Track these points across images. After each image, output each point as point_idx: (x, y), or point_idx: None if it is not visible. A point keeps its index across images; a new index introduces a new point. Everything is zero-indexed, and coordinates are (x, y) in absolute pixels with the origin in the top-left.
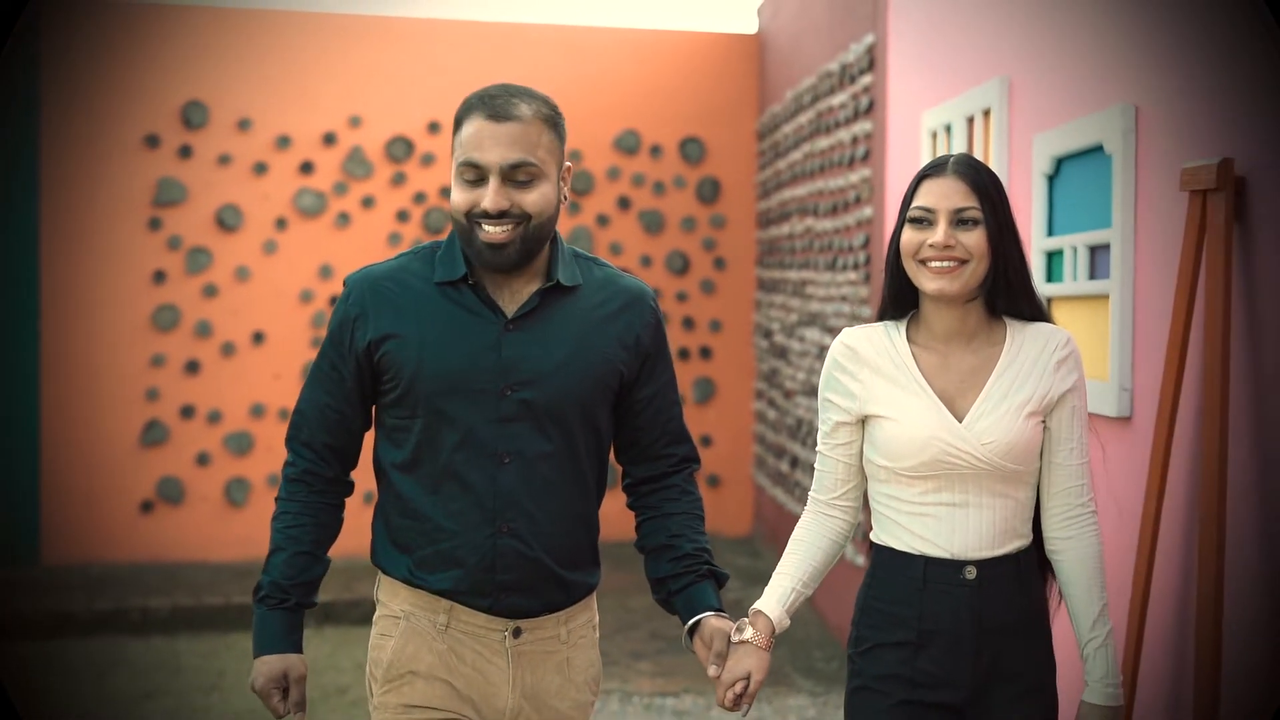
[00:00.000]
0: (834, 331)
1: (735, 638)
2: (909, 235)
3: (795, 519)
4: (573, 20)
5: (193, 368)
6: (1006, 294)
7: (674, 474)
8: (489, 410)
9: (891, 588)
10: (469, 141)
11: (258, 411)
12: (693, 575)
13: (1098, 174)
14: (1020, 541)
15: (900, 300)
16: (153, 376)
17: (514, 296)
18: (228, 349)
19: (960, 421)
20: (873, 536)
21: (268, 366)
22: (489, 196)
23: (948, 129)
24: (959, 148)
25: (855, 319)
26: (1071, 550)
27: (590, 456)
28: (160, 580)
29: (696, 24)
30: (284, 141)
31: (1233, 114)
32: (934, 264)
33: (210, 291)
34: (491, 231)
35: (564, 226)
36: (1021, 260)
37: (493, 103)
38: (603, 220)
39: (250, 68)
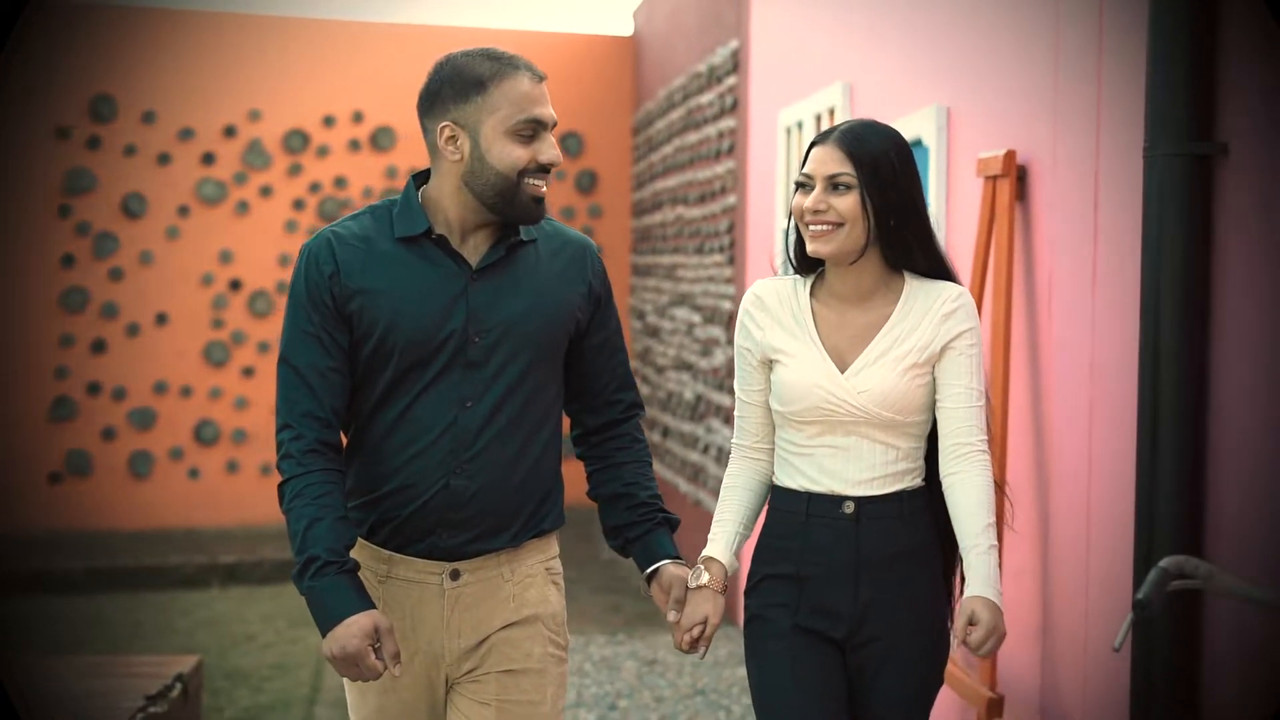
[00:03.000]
0: (702, 310)
1: (691, 584)
2: (796, 200)
3: (664, 483)
4: (460, 22)
5: (99, 347)
6: (899, 251)
7: (624, 421)
8: (455, 357)
9: (780, 524)
10: (524, 99)
11: (161, 388)
12: (649, 523)
13: (919, 164)
14: (906, 483)
15: (804, 259)
16: (61, 355)
17: (475, 250)
18: (132, 329)
19: (843, 373)
20: (774, 478)
21: (171, 346)
22: (550, 150)
23: (799, 125)
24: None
25: (721, 298)
26: (958, 482)
27: (552, 402)
28: (72, 546)
29: (576, 27)
30: (187, 134)
31: (1018, 112)
32: (812, 227)
33: (116, 275)
34: (538, 185)
35: None
36: (912, 219)
37: (528, 63)
38: None
39: (156, 63)
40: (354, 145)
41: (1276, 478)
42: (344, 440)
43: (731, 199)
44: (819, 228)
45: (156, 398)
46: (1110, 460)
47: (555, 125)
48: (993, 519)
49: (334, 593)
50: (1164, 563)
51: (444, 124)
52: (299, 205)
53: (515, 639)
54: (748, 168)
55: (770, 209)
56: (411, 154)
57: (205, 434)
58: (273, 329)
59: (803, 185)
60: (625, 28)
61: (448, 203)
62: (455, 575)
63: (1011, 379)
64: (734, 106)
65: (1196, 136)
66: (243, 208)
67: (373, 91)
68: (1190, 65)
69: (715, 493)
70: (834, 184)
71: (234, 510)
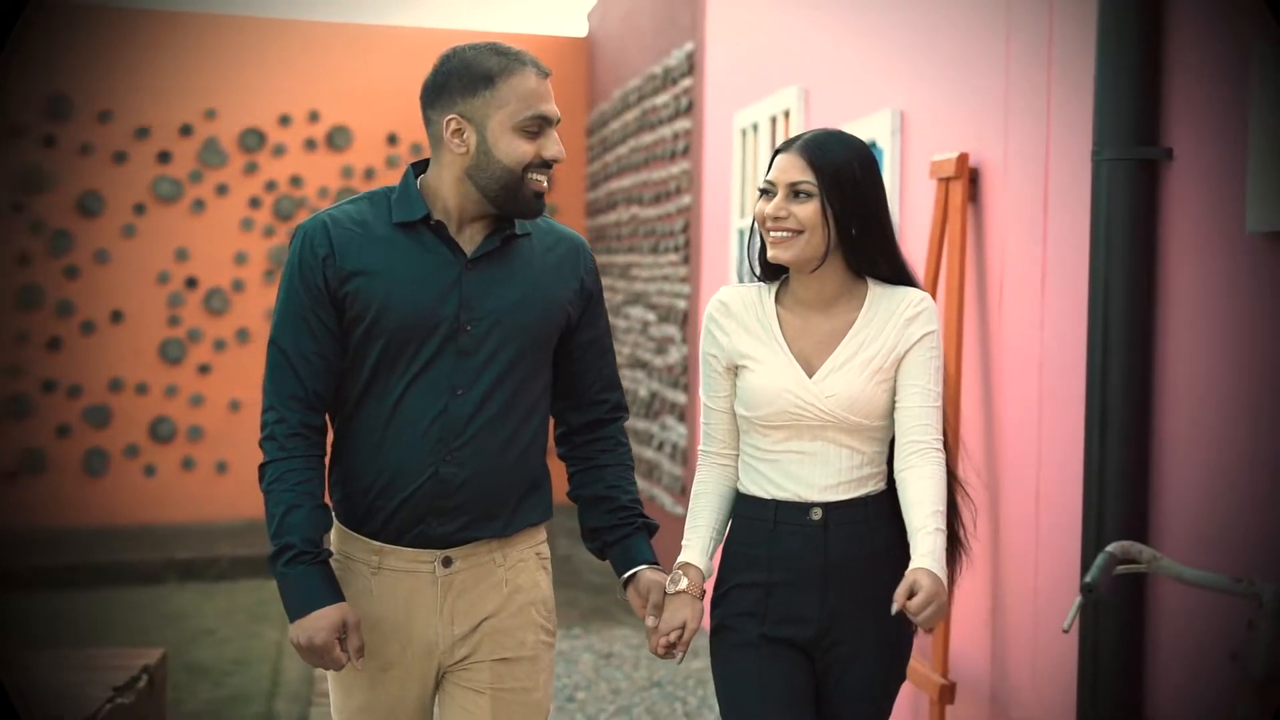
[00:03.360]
0: (657, 309)
1: (670, 589)
2: (758, 206)
3: None
4: (415, 23)
5: (54, 345)
6: (861, 258)
7: (608, 423)
8: (447, 344)
9: (747, 531)
10: (532, 95)
11: (116, 386)
12: (629, 527)
13: None
14: (870, 488)
15: (769, 266)
16: (16, 353)
17: (471, 239)
18: (88, 327)
19: (810, 378)
20: (739, 485)
21: (126, 343)
22: (555, 145)
23: (755, 128)
24: (764, 145)
25: (676, 297)
26: (911, 476)
27: (541, 394)
28: (28, 543)
29: (530, 27)
30: (143, 132)
31: (971, 116)
32: (772, 233)
33: (72, 273)
34: (541, 180)
35: None
36: (874, 227)
37: (534, 59)
38: None
39: (112, 62)
40: (310, 144)
41: (1219, 467)
42: (331, 427)
43: (686, 199)
44: (779, 234)
45: (112, 395)
46: (1059, 452)
47: (559, 121)
48: (942, 507)
49: (305, 583)
50: (1111, 548)
51: (451, 116)
52: (255, 204)
53: (509, 627)
54: (703, 168)
55: (725, 209)
56: (368, 153)
57: (161, 431)
58: (228, 326)
59: (765, 192)
60: (580, 29)
61: (447, 192)
62: (447, 562)
63: (964, 374)
64: (689, 108)
65: (1142, 142)
66: (199, 206)
67: (329, 91)
68: (1136, 72)
69: (670, 490)
70: (795, 191)
71: (189, 507)
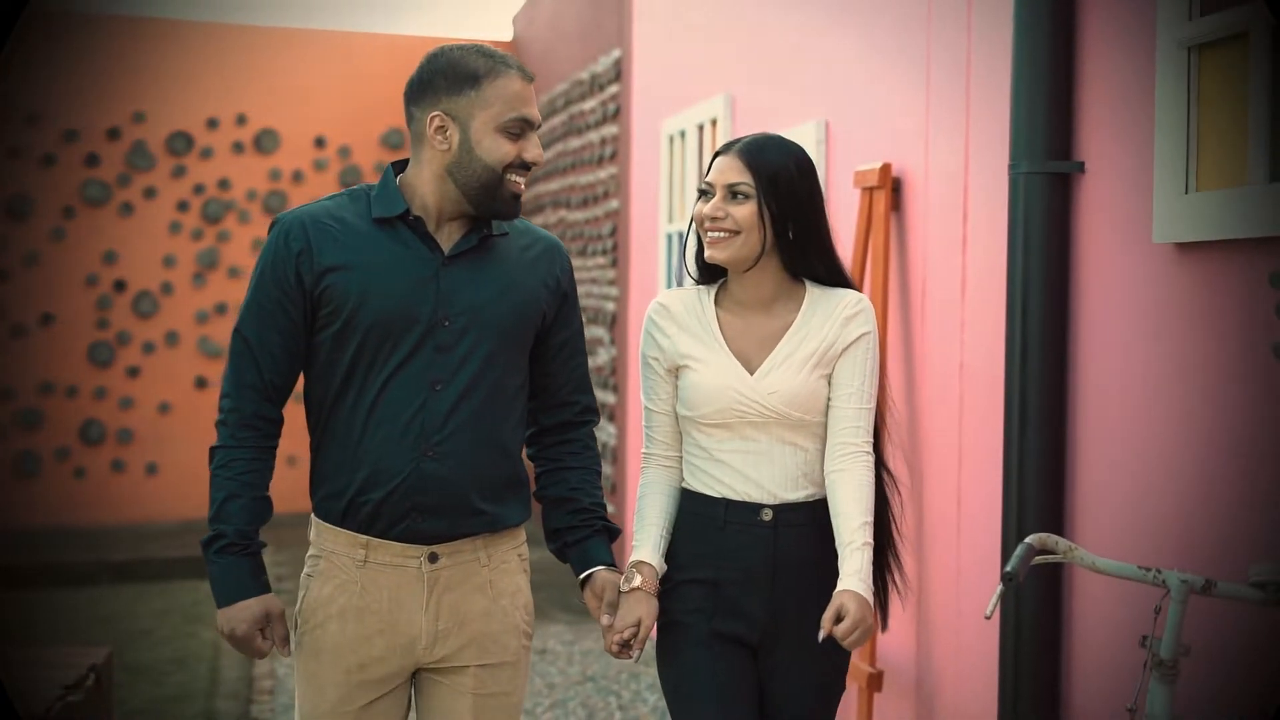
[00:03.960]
0: (586, 311)
1: (624, 587)
2: (696, 207)
3: None
4: (345, 27)
5: None
6: (797, 259)
7: (579, 425)
8: (425, 340)
9: (695, 529)
10: (516, 98)
11: (46, 389)
12: (588, 530)
13: None
14: (817, 489)
15: (705, 268)
16: None
17: (449, 237)
18: (18, 330)
19: (751, 375)
20: (684, 484)
21: (56, 346)
22: (535, 148)
23: (682, 135)
24: (691, 152)
25: (605, 299)
26: (840, 478)
27: (517, 392)
28: None
29: (455, 31)
30: (71, 135)
31: (894, 128)
32: (710, 234)
33: (1, 276)
34: (520, 182)
35: None
36: (811, 230)
37: (519, 63)
38: None
39: (39, 66)
40: (237, 147)
41: (1130, 463)
42: (310, 424)
43: (614, 203)
44: (716, 234)
45: (42, 398)
46: (979, 450)
47: (540, 126)
48: (870, 518)
49: (233, 573)
50: (1029, 539)
51: (435, 114)
52: (183, 207)
53: (493, 633)
54: (630, 173)
55: (654, 214)
56: (295, 156)
57: (91, 434)
58: (157, 329)
59: (704, 193)
60: (505, 33)
61: (426, 189)
62: (433, 558)
63: (888, 376)
64: (616, 114)
65: (1056, 156)
66: (127, 209)
67: (256, 95)
68: (1050, 89)
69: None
70: (733, 193)
71: (120, 509)
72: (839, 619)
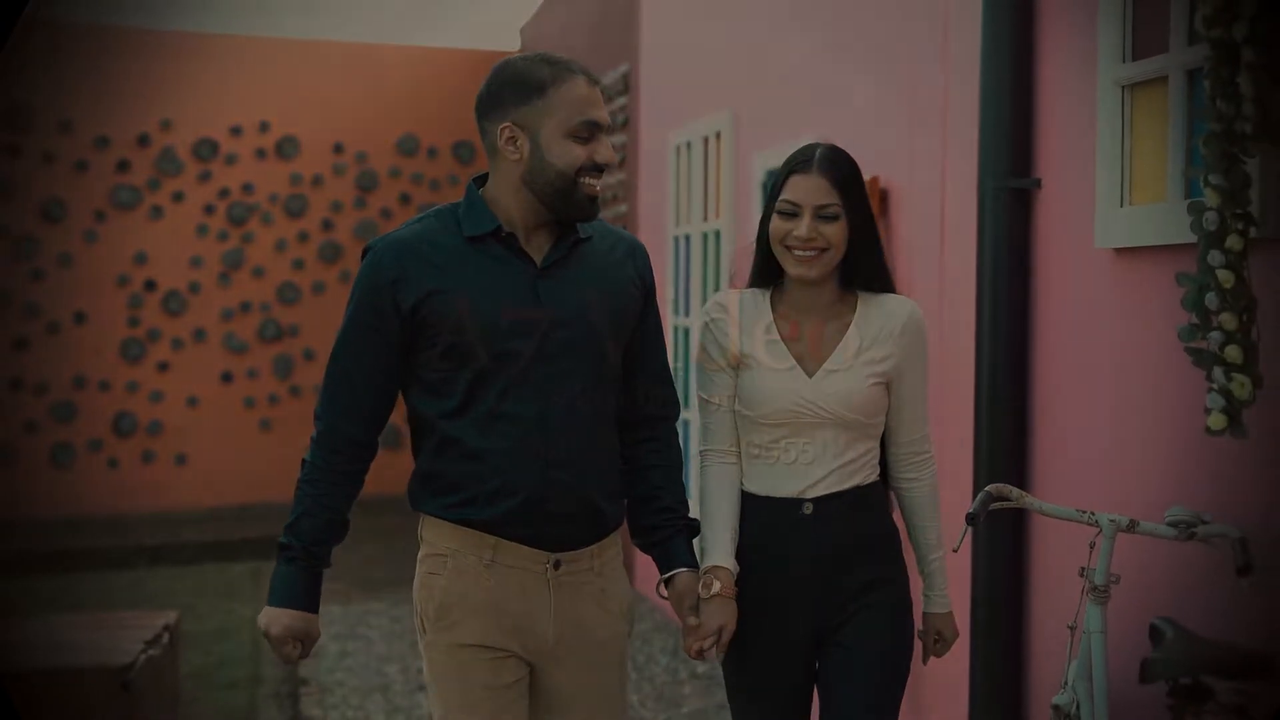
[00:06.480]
0: None
1: (704, 594)
2: (777, 224)
3: None
4: (361, 38)
5: (21, 344)
6: (864, 273)
7: (659, 421)
8: (533, 351)
9: (748, 527)
10: (582, 102)
11: (79, 383)
12: (670, 528)
13: None
14: (859, 480)
15: (766, 275)
16: None
17: (539, 248)
18: (53, 327)
19: (810, 378)
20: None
21: (89, 343)
22: (605, 150)
23: (688, 146)
24: (698, 163)
25: None
26: (915, 488)
27: (615, 393)
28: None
29: (464, 42)
30: (102, 142)
31: (881, 143)
32: (798, 252)
33: (37, 276)
34: (594, 184)
35: (351, 219)
36: (876, 242)
37: (583, 68)
38: (386, 213)
39: (71, 75)
40: (260, 153)
41: (1076, 432)
42: (423, 439)
43: (623, 208)
44: (807, 253)
45: (76, 392)
46: (953, 435)
47: (609, 127)
48: (940, 523)
49: (288, 582)
50: (988, 488)
51: (504, 125)
52: (209, 210)
53: (602, 641)
54: (639, 180)
55: (661, 218)
56: (315, 162)
57: (123, 426)
58: (186, 326)
59: (787, 213)
60: (513, 44)
61: (508, 201)
62: (557, 565)
63: None
64: (625, 124)
65: (1016, 173)
66: (156, 212)
67: (278, 103)
68: (1011, 106)
69: None
70: (823, 214)
71: (151, 497)
72: (938, 640)
